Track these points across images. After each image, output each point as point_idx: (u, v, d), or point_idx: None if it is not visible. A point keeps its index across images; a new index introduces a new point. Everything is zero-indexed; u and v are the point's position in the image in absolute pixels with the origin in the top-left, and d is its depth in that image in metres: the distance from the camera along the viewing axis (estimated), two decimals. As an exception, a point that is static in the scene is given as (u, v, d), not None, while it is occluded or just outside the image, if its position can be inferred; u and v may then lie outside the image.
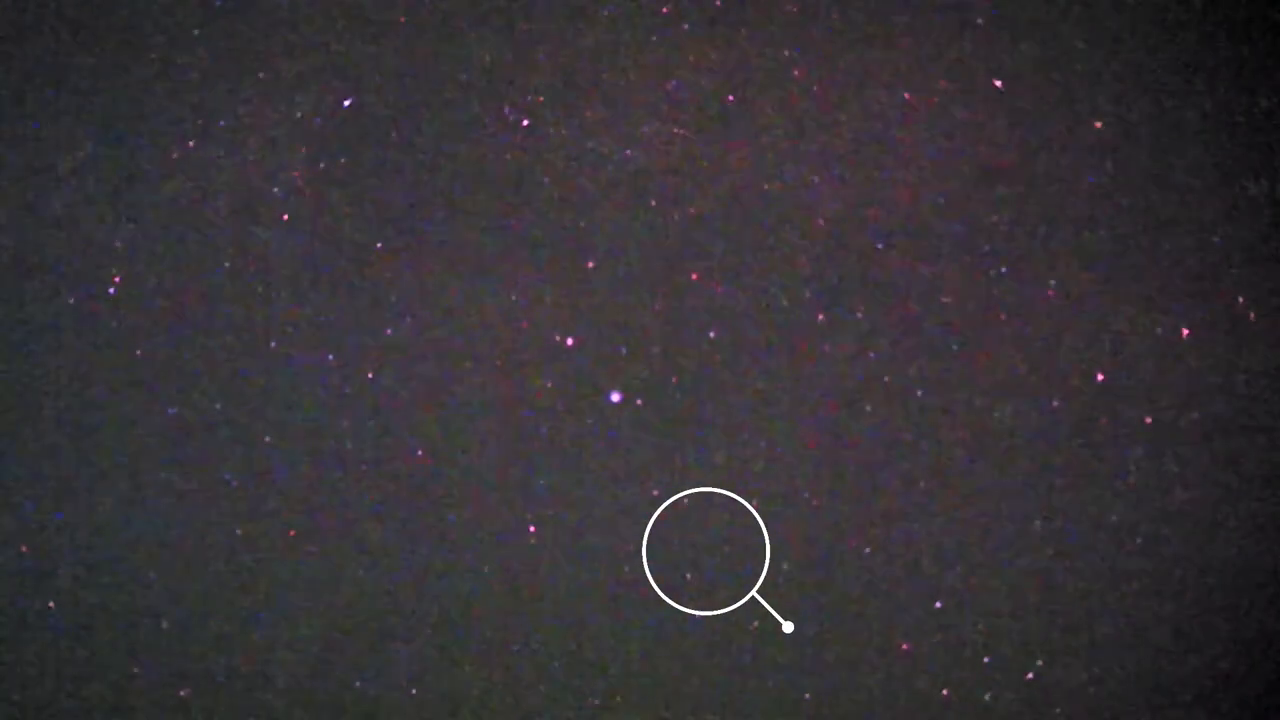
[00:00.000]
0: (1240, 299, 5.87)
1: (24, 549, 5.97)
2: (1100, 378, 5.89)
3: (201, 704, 5.93)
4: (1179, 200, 5.90)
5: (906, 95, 5.94)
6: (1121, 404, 5.88)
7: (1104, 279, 5.90)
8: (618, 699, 5.92)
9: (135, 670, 5.94)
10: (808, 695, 5.87)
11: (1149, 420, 5.87)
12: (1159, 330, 5.88)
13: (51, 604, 5.97)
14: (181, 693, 5.94)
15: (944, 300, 5.91)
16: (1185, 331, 5.88)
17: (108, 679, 5.94)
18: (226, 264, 5.98)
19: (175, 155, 6.01)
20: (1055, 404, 5.88)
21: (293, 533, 5.93)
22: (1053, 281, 5.90)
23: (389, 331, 5.95)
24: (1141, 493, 5.86)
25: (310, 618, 5.92)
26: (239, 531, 5.94)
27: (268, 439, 5.95)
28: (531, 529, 5.91)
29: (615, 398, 5.91)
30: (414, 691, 5.91)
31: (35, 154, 6.02)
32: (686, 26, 5.93)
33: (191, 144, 6.01)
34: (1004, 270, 5.90)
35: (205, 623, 5.93)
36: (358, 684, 5.91)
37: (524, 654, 5.92)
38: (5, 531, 5.96)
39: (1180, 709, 5.85)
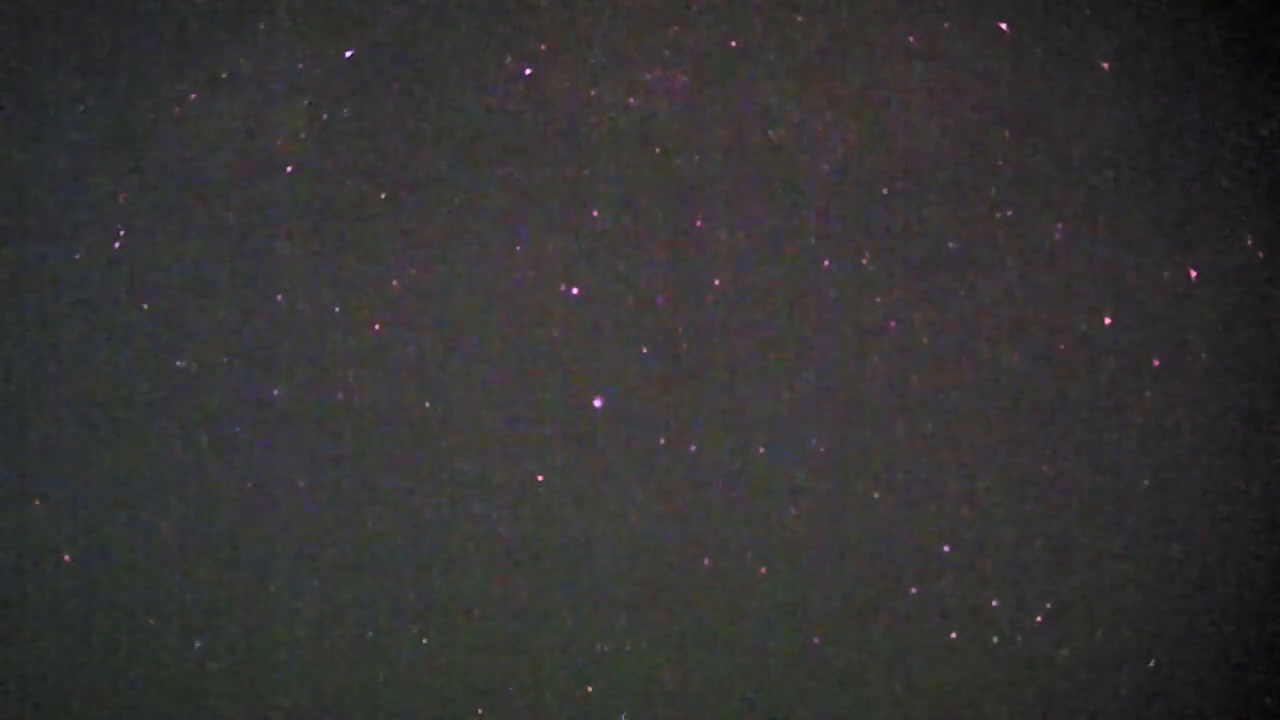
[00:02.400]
0: (1249, 240, 5.83)
1: (36, 503, 6.00)
2: (1108, 321, 5.86)
3: (214, 657, 5.97)
4: (1187, 141, 5.85)
5: (911, 39, 5.89)
6: (1129, 347, 5.85)
7: (1111, 221, 5.86)
8: (627, 648, 5.95)
9: (150, 622, 5.98)
10: (816, 640, 5.89)
11: (1157, 363, 5.85)
12: (1167, 273, 5.85)
13: (67, 557, 6.00)
14: (196, 644, 5.98)
15: (950, 244, 5.88)
16: (1193, 274, 5.84)
17: (120, 633, 5.98)
18: (230, 216, 5.98)
19: (177, 109, 5.99)
20: (1062, 347, 5.86)
21: (301, 484, 5.95)
22: (1059, 225, 5.86)
23: (394, 283, 5.94)
24: (1150, 436, 5.84)
25: (320, 569, 5.94)
26: (248, 484, 5.96)
27: (275, 392, 5.96)
28: (540, 478, 5.92)
29: (620, 346, 5.90)
30: (424, 641, 5.94)
31: (37, 109, 6.01)
32: (688, -28, 5.91)
33: (193, 97, 6.00)
34: (1010, 214, 5.87)
35: (216, 576, 5.96)
36: (370, 634, 5.94)
37: (530, 606, 5.95)
38: (16, 487, 6.00)
39: (1191, 651, 5.85)
